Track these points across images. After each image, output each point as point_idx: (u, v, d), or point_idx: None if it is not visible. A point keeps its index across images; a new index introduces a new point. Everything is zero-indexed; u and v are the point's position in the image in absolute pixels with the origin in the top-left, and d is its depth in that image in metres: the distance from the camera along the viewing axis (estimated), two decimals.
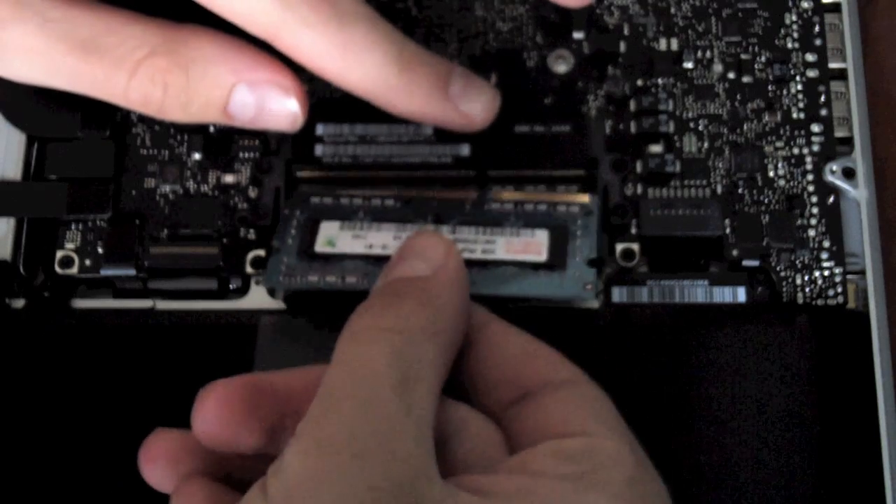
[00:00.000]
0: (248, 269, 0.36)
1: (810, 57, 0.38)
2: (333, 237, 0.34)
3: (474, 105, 0.32)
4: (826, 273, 0.35)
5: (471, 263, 0.31)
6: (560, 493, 0.22)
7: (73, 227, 0.36)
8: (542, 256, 0.33)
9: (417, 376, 0.23)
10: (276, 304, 0.35)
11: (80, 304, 0.36)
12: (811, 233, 0.36)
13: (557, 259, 0.33)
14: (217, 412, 0.25)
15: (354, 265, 0.33)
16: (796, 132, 0.37)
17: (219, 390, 0.25)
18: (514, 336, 0.27)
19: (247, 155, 0.37)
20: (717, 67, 0.38)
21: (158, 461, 0.26)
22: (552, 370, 0.26)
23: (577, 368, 0.26)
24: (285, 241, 0.34)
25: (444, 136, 0.36)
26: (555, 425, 0.24)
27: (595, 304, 0.35)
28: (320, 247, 0.33)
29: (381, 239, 0.33)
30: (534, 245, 0.33)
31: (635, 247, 0.36)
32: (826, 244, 0.35)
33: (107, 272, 0.36)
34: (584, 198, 0.35)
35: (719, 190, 0.36)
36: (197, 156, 0.37)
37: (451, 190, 0.36)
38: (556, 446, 0.24)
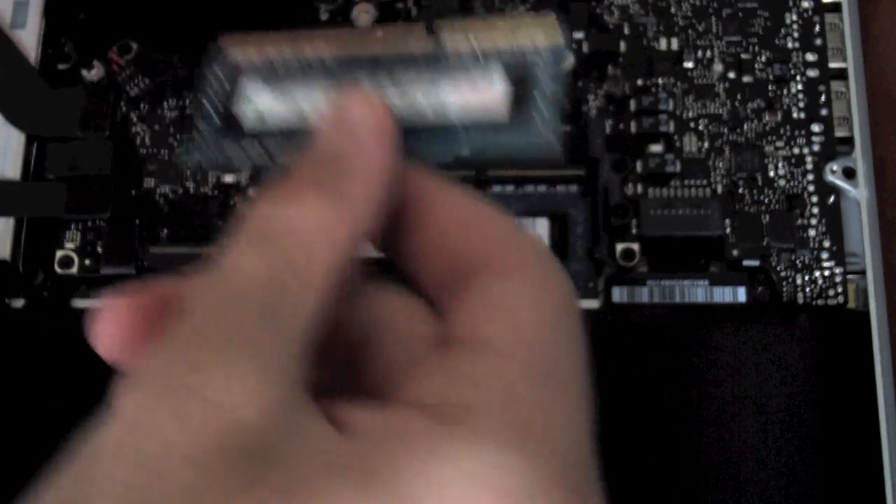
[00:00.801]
0: None
1: (810, 57, 0.38)
2: (258, 103, 0.27)
3: None
4: (826, 273, 0.35)
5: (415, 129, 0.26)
6: (423, 456, 0.16)
7: (72, 227, 0.36)
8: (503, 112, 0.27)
9: (302, 285, 0.19)
10: None
11: (80, 303, 0.36)
12: (811, 233, 0.36)
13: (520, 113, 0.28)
14: (117, 334, 0.20)
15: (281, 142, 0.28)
16: (796, 132, 0.37)
17: (119, 311, 0.20)
18: (458, 202, 0.22)
19: None
20: (718, 67, 0.38)
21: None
22: (495, 249, 0.21)
23: (532, 245, 0.21)
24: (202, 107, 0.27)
25: None
26: (470, 335, 0.19)
27: (595, 303, 0.35)
28: (244, 114, 0.28)
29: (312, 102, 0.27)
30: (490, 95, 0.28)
31: (635, 247, 0.36)
32: (826, 244, 0.35)
33: (107, 272, 0.36)
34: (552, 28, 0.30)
35: (719, 190, 0.36)
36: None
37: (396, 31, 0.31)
38: (454, 370, 0.18)
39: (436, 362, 0.19)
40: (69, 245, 0.36)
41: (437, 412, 0.17)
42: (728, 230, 0.36)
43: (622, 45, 0.38)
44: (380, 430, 0.17)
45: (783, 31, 0.38)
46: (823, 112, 0.37)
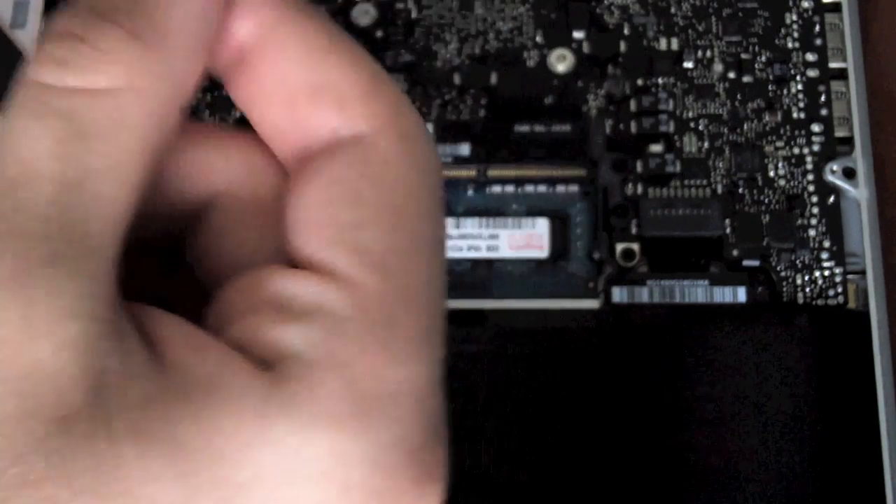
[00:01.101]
0: None
1: (810, 57, 0.38)
2: None
3: None
4: (826, 273, 0.35)
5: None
6: (248, 432, 0.14)
7: None
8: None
9: (109, 178, 0.14)
10: None
11: None
12: (811, 233, 0.36)
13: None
14: None
15: None
16: (796, 132, 0.37)
17: None
18: (303, 48, 0.16)
19: None
20: (718, 67, 0.38)
21: None
22: (341, 113, 0.16)
23: (394, 111, 0.16)
24: None
25: (443, 135, 0.36)
26: (310, 255, 0.15)
27: (595, 304, 0.35)
28: None
29: None
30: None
31: (635, 247, 0.36)
32: (826, 244, 0.35)
33: None
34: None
35: (719, 190, 0.36)
36: None
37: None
38: (293, 306, 0.15)
39: (276, 285, 0.15)
40: None
41: (268, 364, 0.14)
42: (728, 230, 0.35)
43: (622, 45, 0.38)
44: (197, 374, 0.14)
45: (783, 31, 0.38)
46: (823, 112, 0.37)
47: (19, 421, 0.13)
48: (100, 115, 0.14)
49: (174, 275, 0.17)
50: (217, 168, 0.17)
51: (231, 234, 0.16)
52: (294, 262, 0.15)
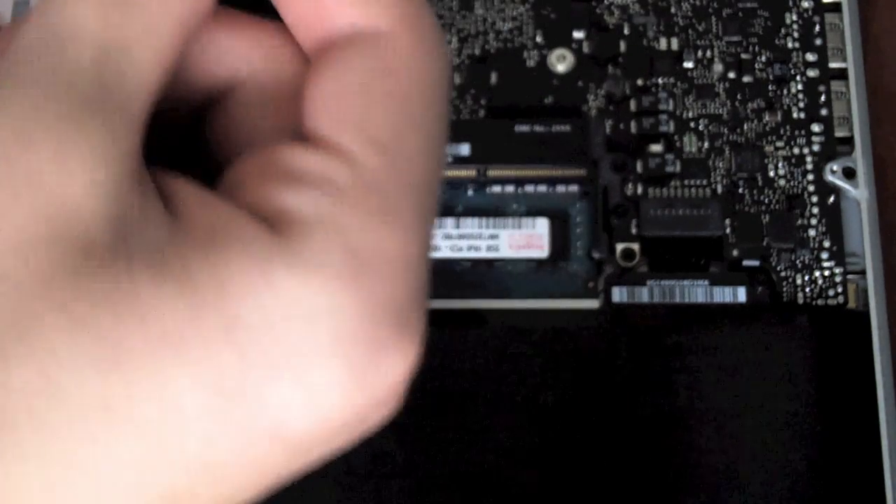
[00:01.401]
0: None
1: (810, 56, 0.38)
2: None
3: None
4: (826, 273, 0.35)
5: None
6: (251, 273, 0.15)
7: None
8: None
9: (148, 50, 0.16)
10: None
11: None
12: (811, 233, 0.36)
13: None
14: None
15: None
16: (796, 132, 0.37)
17: None
18: None
19: None
20: (718, 67, 0.38)
21: None
22: (361, 9, 0.17)
23: (402, 3, 0.17)
24: None
25: None
26: (319, 132, 0.16)
27: (595, 303, 0.35)
28: None
29: None
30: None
31: (635, 247, 0.36)
32: (826, 244, 0.35)
33: None
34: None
35: (719, 190, 0.36)
36: None
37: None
38: (300, 175, 0.16)
39: (286, 157, 0.16)
40: None
41: (274, 224, 0.16)
42: (728, 230, 0.35)
43: (622, 45, 0.38)
44: (209, 226, 0.15)
45: (783, 31, 0.38)
46: (823, 112, 0.37)
47: (49, 243, 0.14)
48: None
49: (194, 149, 0.18)
50: (241, 52, 0.18)
51: (250, 115, 0.18)
52: (306, 142, 0.17)
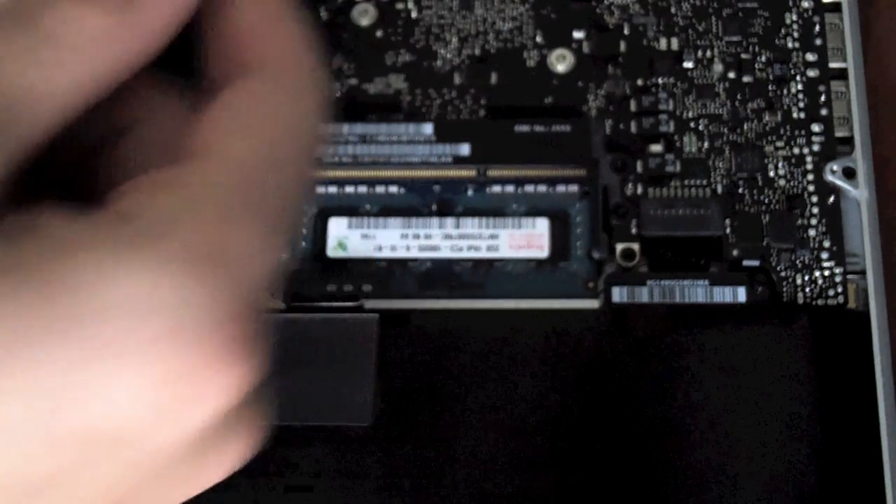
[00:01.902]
0: None
1: (810, 57, 0.38)
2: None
3: None
4: (826, 273, 0.35)
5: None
6: (91, 264, 0.16)
7: None
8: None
9: (47, 105, 0.17)
10: (275, 303, 0.35)
11: None
12: (811, 233, 0.36)
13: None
14: None
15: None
16: (796, 132, 0.37)
17: None
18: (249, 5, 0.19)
19: None
20: (718, 67, 0.38)
21: None
22: (245, 54, 0.19)
23: (288, 53, 0.19)
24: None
25: (443, 135, 0.36)
26: (193, 145, 0.18)
27: (595, 303, 0.35)
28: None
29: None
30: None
31: (635, 247, 0.36)
32: (826, 244, 0.35)
33: None
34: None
35: (719, 190, 0.36)
36: None
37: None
38: (161, 181, 0.17)
39: (161, 174, 0.17)
40: None
41: (129, 219, 0.16)
42: (728, 230, 0.35)
43: (622, 45, 0.38)
44: (65, 227, 0.16)
45: (783, 31, 0.38)
46: (823, 112, 0.37)
47: None
48: (62, 48, 0.17)
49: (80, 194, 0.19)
50: (132, 101, 0.19)
51: (137, 156, 0.19)
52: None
